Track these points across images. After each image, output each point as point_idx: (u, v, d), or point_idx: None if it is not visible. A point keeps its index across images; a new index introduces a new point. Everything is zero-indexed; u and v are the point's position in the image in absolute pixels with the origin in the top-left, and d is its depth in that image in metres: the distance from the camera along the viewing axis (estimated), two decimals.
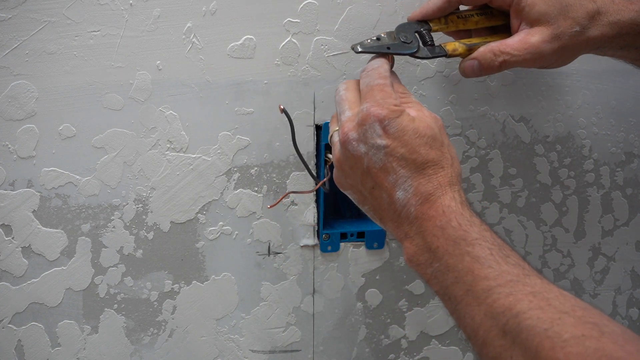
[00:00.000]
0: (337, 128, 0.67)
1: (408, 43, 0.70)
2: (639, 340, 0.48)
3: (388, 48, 0.70)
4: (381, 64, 0.67)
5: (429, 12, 0.72)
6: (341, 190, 0.68)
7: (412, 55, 0.70)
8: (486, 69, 0.70)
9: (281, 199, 0.79)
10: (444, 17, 0.72)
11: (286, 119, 0.72)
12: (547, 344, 0.48)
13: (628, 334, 0.48)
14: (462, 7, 0.73)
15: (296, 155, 0.77)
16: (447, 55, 0.71)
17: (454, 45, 0.71)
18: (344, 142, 0.64)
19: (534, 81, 0.88)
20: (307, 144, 0.81)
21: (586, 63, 0.89)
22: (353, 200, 0.68)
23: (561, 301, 0.52)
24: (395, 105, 0.63)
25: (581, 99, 0.90)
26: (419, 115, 0.63)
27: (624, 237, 0.95)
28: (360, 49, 0.69)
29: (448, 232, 0.59)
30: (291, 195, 0.82)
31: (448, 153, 0.63)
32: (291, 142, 0.74)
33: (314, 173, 0.79)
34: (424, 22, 0.72)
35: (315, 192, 0.82)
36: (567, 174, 0.91)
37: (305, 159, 0.81)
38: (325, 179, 0.75)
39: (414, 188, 0.61)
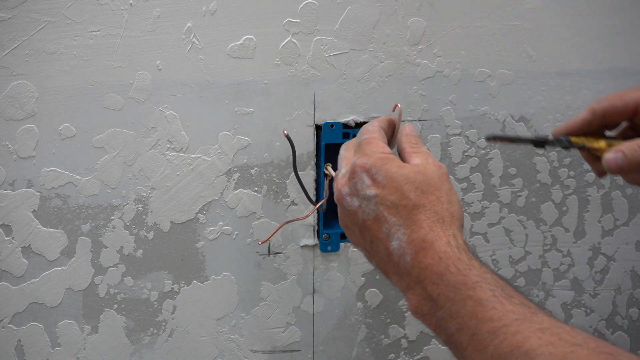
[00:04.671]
0: None
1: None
2: None
3: (518, 138, 0.70)
4: (371, 121, 0.67)
5: (573, 126, 0.68)
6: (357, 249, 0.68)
7: (545, 142, 0.67)
8: (631, 162, 0.65)
9: (274, 233, 0.78)
10: (586, 136, 0.68)
11: (288, 130, 0.72)
12: None
13: None
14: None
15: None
16: (585, 147, 0.67)
17: (598, 142, 0.67)
18: (339, 199, 0.64)
19: (534, 81, 0.88)
20: (307, 144, 0.81)
21: (586, 63, 0.89)
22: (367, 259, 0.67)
23: (572, 335, 0.50)
24: (383, 153, 0.62)
25: (581, 99, 0.90)
26: (421, 163, 0.62)
27: (624, 237, 0.95)
28: (492, 137, 0.68)
29: (447, 279, 0.57)
30: (291, 195, 0.82)
31: (446, 197, 0.61)
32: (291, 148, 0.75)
33: (312, 196, 0.80)
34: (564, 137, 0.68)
35: (315, 195, 0.82)
36: (567, 174, 0.91)
37: (306, 159, 0.81)
38: (322, 201, 0.75)
39: (407, 236, 0.59)
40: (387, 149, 0.63)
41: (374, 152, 0.62)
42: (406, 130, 0.67)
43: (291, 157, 0.77)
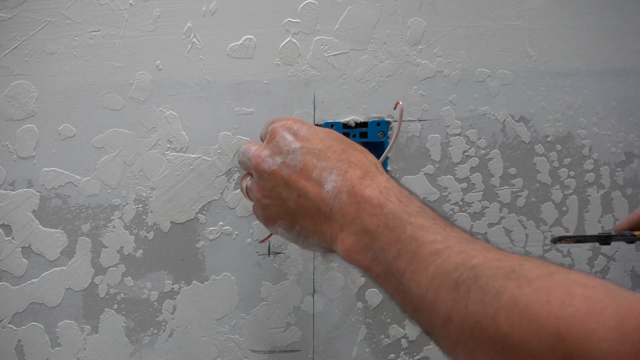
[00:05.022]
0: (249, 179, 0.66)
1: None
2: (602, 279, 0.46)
3: (583, 237, 0.74)
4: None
5: (634, 220, 0.69)
6: (271, 230, 0.65)
7: (609, 238, 0.69)
8: None
9: (270, 235, 0.78)
10: None
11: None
12: (511, 284, 0.45)
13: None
14: None
15: None
16: None
17: None
18: (258, 165, 0.62)
19: (534, 81, 0.88)
20: None
21: (586, 63, 0.89)
22: (284, 236, 0.65)
23: (518, 255, 0.49)
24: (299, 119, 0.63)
25: (581, 99, 0.90)
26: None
27: None
28: (557, 239, 0.70)
29: (388, 208, 0.54)
30: None
31: (369, 154, 0.62)
32: None
33: None
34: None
35: None
36: (567, 174, 0.91)
37: None
38: None
39: (342, 177, 0.58)
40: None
41: (290, 118, 0.63)
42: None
43: None
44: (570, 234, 0.84)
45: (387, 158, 0.83)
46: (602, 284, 0.44)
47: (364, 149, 0.62)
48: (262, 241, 0.80)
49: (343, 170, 0.58)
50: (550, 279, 0.45)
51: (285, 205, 0.62)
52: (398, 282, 0.53)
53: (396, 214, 0.54)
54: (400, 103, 0.68)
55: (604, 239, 0.69)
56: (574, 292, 0.43)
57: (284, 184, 0.61)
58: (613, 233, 0.69)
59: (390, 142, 0.76)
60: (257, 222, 0.81)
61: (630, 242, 0.69)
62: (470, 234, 0.53)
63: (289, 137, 0.61)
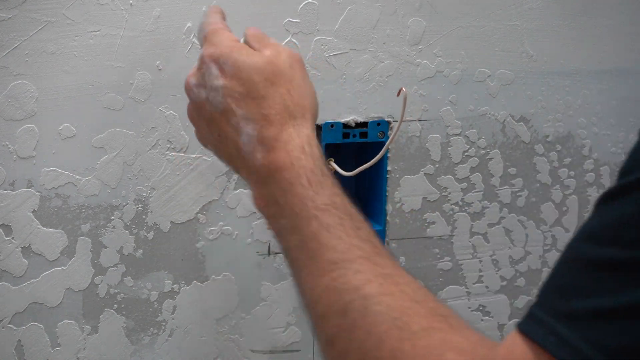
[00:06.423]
0: None
1: None
2: (481, 335, 0.46)
3: None
4: (210, 13, 0.64)
5: None
6: (205, 148, 0.65)
7: None
8: None
9: None
10: None
11: None
12: (395, 333, 0.46)
13: (472, 329, 0.47)
14: None
15: None
16: None
17: None
18: (187, 90, 0.61)
19: (534, 81, 0.88)
20: None
21: (586, 63, 0.89)
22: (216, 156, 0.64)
23: (413, 289, 0.49)
24: (232, 41, 0.59)
25: (581, 99, 0.90)
26: (272, 53, 0.59)
27: None
28: None
29: (296, 190, 0.54)
30: None
31: (297, 90, 0.58)
32: None
33: None
34: None
35: None
36: (567, 174, 0.91)
37: None
38: None
39: (257, 132, 0.57)
40: (234, 38, 0.60)
41: (222, 41, 0.59)
42: (250, 32, 0.63)
43: None
44: None
45: (387, 157, 0.83)
46: (477, 351, 0.44)
47: (288, 92, 0.58)
48: None
49: (259, 126, 0.57)
50: (430, 337, 0.45)
51: (211, 137, 0.61)
52: (297, 273, 0.53)
53: (304, 200, 0.54)
54: (404, 89, 0.66)
55: None
56: (446, 358, 0.44)
57: (208, 119, 0.60)
58: None
59: (394, 130, 0.74)
60: (256, 222, 0.81)
61: None
62: (374, 242, 0.52)
63: (214, 71, 0.58)
